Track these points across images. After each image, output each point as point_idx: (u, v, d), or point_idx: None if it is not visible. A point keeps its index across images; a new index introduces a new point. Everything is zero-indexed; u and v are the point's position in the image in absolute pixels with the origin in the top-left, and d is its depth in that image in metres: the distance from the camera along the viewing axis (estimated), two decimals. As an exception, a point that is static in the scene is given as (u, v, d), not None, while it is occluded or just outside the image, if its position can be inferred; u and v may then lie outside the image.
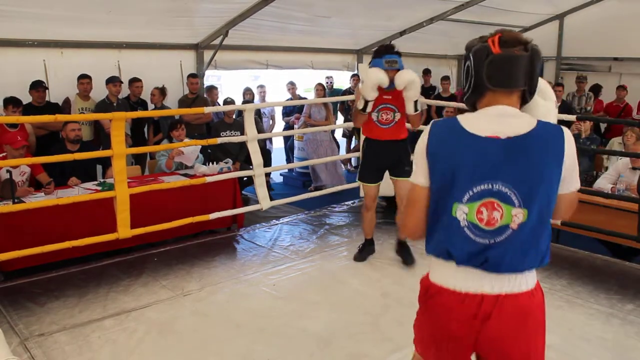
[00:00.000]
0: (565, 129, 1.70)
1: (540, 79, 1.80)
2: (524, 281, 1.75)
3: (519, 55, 1.69)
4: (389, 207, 6.31)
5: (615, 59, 9.89)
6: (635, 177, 4.93)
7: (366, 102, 4.31)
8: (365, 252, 4.86)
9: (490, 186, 1.69)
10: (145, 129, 6.90)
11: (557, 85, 8.76)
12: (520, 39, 1.73)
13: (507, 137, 1.68)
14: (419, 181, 1.80)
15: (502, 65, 1.70)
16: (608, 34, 9.61)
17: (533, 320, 1.78)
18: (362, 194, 4.97)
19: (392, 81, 4.28)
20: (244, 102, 8.03)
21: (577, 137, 6.84)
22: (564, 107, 8.03)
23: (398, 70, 4.32)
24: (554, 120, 1.85)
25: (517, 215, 1.68)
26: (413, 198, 1.83)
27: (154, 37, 6.92)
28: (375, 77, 4.21)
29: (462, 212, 1.72)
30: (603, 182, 5.51)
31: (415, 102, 4.39)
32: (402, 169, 4.57)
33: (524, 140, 1.67)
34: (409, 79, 4.28)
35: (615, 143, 6.85)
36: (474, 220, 1.71)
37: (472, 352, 1.85)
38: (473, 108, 1.81)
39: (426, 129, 1.81)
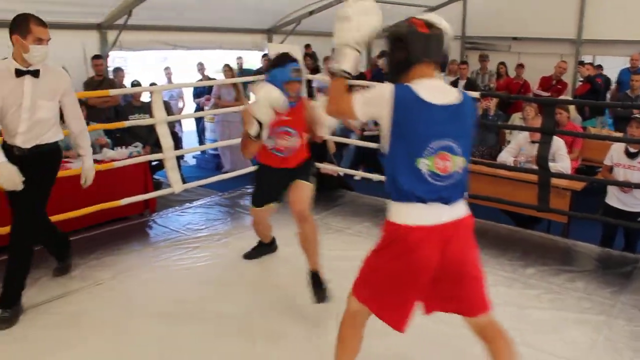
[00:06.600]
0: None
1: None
2: (464, 208, 2.33)
3: None
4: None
5: (514, 38, 10.34)
6: (534, 149, 5.16)
7: (261, 126, 3.35)
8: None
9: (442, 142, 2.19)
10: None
11: (462, 63, 9.07)
12: None
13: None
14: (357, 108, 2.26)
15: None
16: (508, 15, 10.06)
17: (472, 234, 2.35)
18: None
19: (294, 97, 3.59)
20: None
21: (485, 113, 7.12)
22: (469, 84, 8.34)
23: (300, 82, 3.64)
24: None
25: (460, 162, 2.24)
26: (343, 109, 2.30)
27: (52, 15, 6.53)
28: (269, 96, 3.29)
29: (424, 164, 2.18)
30: (505, 155, 5.78)
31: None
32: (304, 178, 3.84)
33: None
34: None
35: (516, 118, 7.18)
36: (434, 169, 2.19)
37: (432, 275, 2.24)
38: None
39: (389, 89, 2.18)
